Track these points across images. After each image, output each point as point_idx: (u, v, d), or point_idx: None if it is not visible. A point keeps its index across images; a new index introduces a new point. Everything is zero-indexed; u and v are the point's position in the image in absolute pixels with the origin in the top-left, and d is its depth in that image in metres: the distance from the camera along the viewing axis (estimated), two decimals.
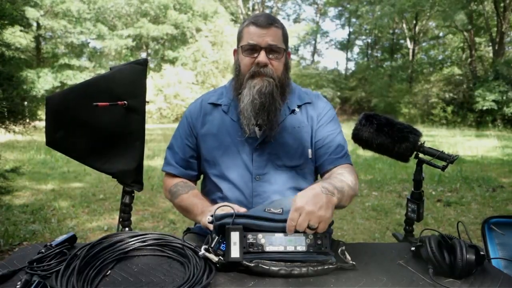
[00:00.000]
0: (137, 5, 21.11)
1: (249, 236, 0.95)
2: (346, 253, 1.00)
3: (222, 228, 0.95)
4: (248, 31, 1.29)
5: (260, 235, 0.96)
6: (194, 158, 1.42)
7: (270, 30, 1.27)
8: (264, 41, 1.26)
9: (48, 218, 3.84)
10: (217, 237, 0.94)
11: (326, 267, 0.94)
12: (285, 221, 0.96)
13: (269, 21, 1.28)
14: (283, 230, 0.96)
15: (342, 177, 1.19)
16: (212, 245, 0.93)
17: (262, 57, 1.26)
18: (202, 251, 0.94)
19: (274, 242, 0.96)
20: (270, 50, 1.27)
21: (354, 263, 0.97)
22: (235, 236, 0.92)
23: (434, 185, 5.50)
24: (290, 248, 0.96)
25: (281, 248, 0.96)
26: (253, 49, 1.27)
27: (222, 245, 0.93)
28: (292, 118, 1.36)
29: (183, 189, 1.34)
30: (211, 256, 0.93)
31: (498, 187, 5.32)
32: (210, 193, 1.40)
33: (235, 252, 0.91)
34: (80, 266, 0.90)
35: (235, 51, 1.39)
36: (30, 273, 0.89)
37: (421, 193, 1.22)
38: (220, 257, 0.92)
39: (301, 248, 0.96)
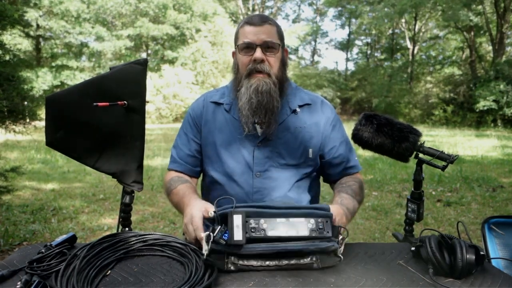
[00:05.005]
0: (135, 4, 21.08)
1: (251, 221, 0.95)
2: (344, 242, 1.00)
3: (224, 218, 0.94)
4: (243, 31, 1.32)
5: (262, 220, 0.95)
6: (200, 154, 1.43)
7: (264, 27, 1.30)
8: (259, 38, 1.29)
9: (48, 218, 3.84)
10: (219, 227, 0.93)
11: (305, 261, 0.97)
12: (286, 208, 0.98)
13: (263, 19, 1.32)
14: (284, 216, 0.97)
15: (351, 194, 1.31)
16: (215, 235, 0.91)
17: (258, 53, 1.28)
18: (203, 235, 0.92)
19: (276, 227, 0.96)
20: (266, 46, 1.29)
21: (341, 257, 0.99)
22: (237, 219, 0.91)
23: (434, 185, 5.50)
24: (292, 233, 0.96)
25: (283, 233, 0.95)
26: (249, 47, 1.30)
27: (225, 234, 0.92)
28: (293, 118, 1.38)
29: (175, 183, 1.35)
30: (204, 245, 0.91)
31: (498, 187, 5.32)
32: (211, 189, 1.42)
33: (238, 235, 0.90)
34: (80, 266, 0.90)
35: (233, 53, 1.41)
36: (30, 273, 0.89)
37: (421, 193, 1.22)
38: (213, 244, 0.91)
39: (303, 232, 0.96)
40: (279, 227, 0.95)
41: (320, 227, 0.97)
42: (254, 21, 1.31)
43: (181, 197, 1.26)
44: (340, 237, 0.99)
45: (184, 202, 1.22)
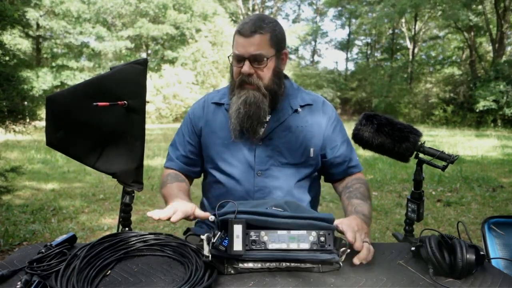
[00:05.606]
0: (135, 4, 21.07)
1: (252, 233, 0.94)
2: (344, 254, 0.99)
3: (224, 223, 0.93)
4: (236, 40, 1.31)
5: (263, 232, 0.95)
6: (194, 155, 1.46)
7: (253, 38, 1.27)
8: (247, 51, 1.27)
9: (48, 218, 3.84)
10: (219, 233, 0.92)
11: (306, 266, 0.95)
12: (289, 217, 0.96)
13: (253, 29, 1.27)
14: (286, 228, 0.96)
15: (362, 198, 1.31)
16: (214, 241, 0.91)
17: (246, 68, 1.28)
18: (204, 237, 0.92)
19: (277, 240, 0.95)
20: (254, 59, 1.28)
21: (340, 265, 0.97)
22: (238, 229, 0.91)
23: (434, 185, 5.50)
24: (293, 246, 0.95)
25: (284, 246, 0.95)
26: (239, 59, 1.30)
27: (225, 240, 0.91)
28: (295, 117, 1.39)
29: (172, 179, 1.38)
30: (205, 246, 0.91)
31: (498, 187, 5.32)
32: (213, 189, 1.44)
33: (237, 245, 0.90)
34: (80, 266, 0.90)
35: None
36: (30, 273, 0.89)
37: (421, 193, 1.22)
38: (213, 249, 0.91)
39: (304, 245, 0.95)
40: (280, 240, 0.95)
41: (322, 240, 0.96)
42: (244, 31, 1.27)
43: (175, 194, 1.27)
44: (342, 249, 0.98)
45: (173, 198, 1.23)
